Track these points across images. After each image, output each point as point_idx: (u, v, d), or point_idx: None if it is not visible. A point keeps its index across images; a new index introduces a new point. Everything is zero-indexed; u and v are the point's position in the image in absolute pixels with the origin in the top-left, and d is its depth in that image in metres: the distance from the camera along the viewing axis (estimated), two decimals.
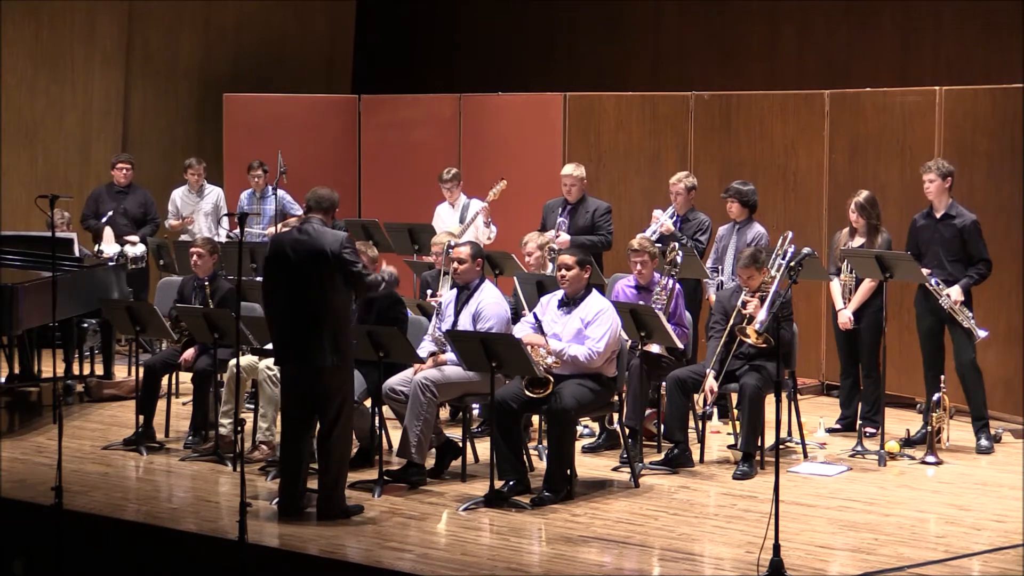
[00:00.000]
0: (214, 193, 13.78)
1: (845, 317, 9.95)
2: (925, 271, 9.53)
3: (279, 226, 12.35)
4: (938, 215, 9.71)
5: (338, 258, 7.87)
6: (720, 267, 10.43)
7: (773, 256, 9.36)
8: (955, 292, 9.48)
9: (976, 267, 9.60)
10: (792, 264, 7.81)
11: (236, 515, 7.15)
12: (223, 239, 12.87)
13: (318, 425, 8.12)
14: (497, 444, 8.34)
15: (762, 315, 8.96)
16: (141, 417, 9.71)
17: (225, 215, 13.35)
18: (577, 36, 15.35)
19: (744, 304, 9.14)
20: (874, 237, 9.87)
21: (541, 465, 8.84)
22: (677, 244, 9.83)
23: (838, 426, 10.22)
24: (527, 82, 14.54)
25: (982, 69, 12.26)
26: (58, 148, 14.75)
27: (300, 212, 13.27)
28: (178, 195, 13.73)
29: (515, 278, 10.17)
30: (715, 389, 9.08)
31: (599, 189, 12.18)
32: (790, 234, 9.50)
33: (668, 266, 9.61)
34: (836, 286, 10.04)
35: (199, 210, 13.64)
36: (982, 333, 9.46)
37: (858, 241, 9.93)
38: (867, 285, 9.87)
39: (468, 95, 14.02)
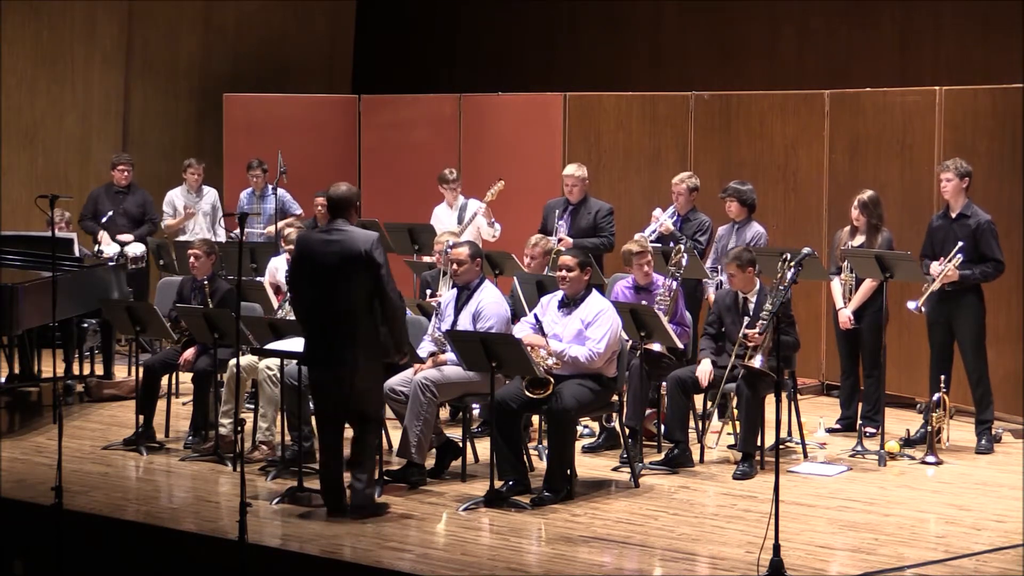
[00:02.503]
0: (211, 194, 13.79)
1: (845, 317, 9.95)
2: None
3: (279, 224, 12.34)
4: (953, 215, 9.69)
5: (369, 256, 7.81)
6: (720, 267, 10.42)
7: (775, 284, 9.21)
8: (941, 269, 9.41)
9: (984, 265, 9.57)
10: (792, 264, 7.78)
11: (236, 515, 7.14)
12: (222, 239, 12.87)
13: (351, 426, 8.10)
14: (497, 444, 8.33)
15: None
16: (141, 417, 9.71)
17: (224, 215, 13.36)
18: (577, 36, 15.34)
19: (746, 336, 9.10)
20: (874, 236, 9.86)
21: (541, 465, 8.84)
22: (682, 246, 9.81)
23: (838, 426, 10.22)
24: (527, 82, 14.53)
25: (982, 69, 12.25)
26: (58, 148, 14.74)
27: (300, 212, 13.28)
28: (177, 195, 13.72)
29: (515, 278, 10.16)
30: (711, 371, 9.07)
31: (599, 189, 12.17)
32: (787, 255, 9.40)
33: (672, 267, 9.60)
34: (836, 286, 10.04)
35: (197, 210, 13.65)
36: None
37: (858, 240, 9.92)
38: (868, 285, 9.86)
39: (468, 95, 14.01)
